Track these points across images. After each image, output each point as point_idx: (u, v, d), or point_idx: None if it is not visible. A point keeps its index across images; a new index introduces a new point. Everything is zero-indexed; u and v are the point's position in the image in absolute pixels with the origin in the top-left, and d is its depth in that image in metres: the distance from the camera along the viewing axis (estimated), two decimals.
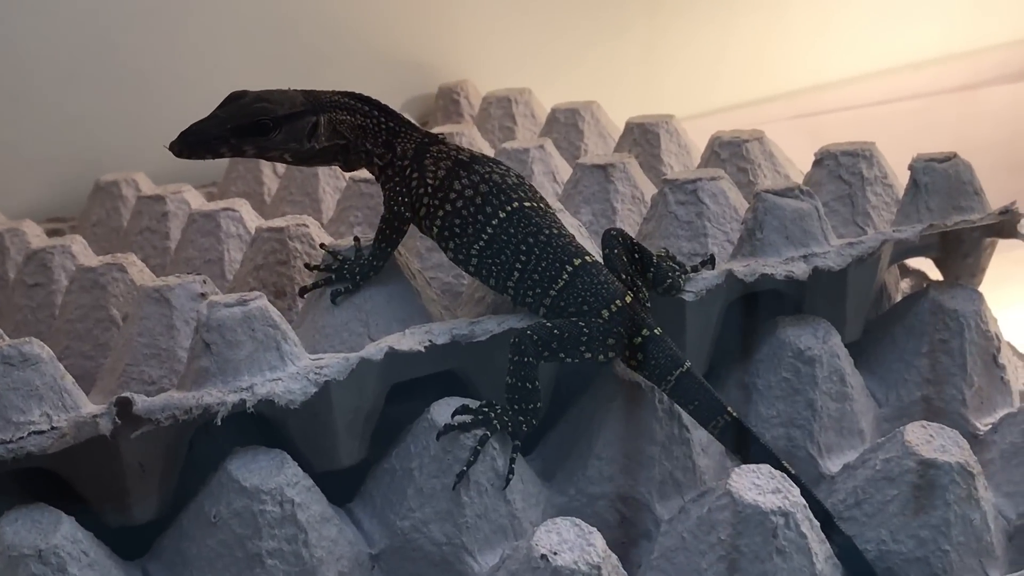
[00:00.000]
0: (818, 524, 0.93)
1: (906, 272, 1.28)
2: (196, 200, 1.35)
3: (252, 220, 1.25)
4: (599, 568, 0.86)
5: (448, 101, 1.72)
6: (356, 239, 1.06)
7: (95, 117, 1.56)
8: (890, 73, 2.01)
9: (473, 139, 1.44)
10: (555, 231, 1.00)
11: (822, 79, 1.99)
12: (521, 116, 1.61)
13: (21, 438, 0.87)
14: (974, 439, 1.10)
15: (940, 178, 1.15)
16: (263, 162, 1.46)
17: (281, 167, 1.45)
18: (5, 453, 0.86)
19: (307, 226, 1.14)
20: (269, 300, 1.08)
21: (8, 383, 0.88)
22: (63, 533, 0.87)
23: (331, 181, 1.39)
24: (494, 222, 0.99)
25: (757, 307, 1.13)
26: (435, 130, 1.45)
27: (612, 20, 1.85)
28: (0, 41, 1.50)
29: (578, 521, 0.89)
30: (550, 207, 1.03)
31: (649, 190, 1.25)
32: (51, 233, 1.43)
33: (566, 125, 1.51)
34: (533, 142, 1.36)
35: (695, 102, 1.85)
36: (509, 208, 1.00)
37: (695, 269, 1.08)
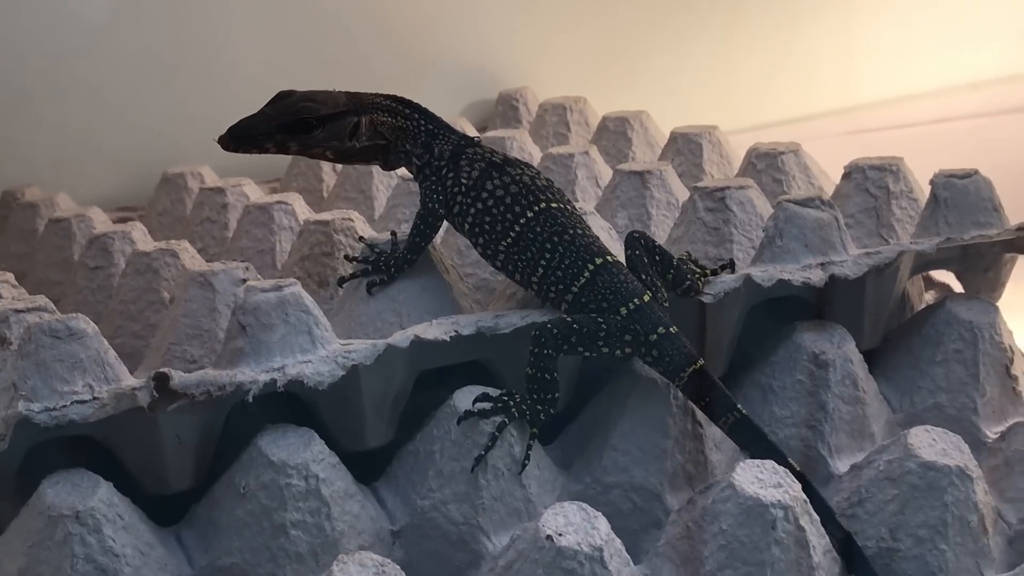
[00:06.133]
0: (818, 519, 0.97)
1: (931, 284, 1.32)
2: (255, 193, 1.41)
3: (304, 213, 1.31)
4: (601, 550, 0.91)
5: (507, 107, 1.77)
6: (393, 233, 1.12)
7: (167, 111, 1.63)
8: (948, 92, 2.03)
9: (524, 144, 1.49)
10: (579, 231, 1.05)
11: (879, 96, 2.02)
12: (575, 124, 1.66)
13: (64, 406, 0.93)
14: (983, 446, 1.13)
15: (959, 194, 1.19)
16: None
17: (340, 165, 1.51)
18: (49, 420, 0.92)
19: (352, 220, 1.20)
20: (312, 289, 1.14)
21: (55, 355, 0.94)
22: (100, 497, 0.93)
23: (384, 179, 1.45)
24: (522, 221, 1.05)
25: (781, 313, 1.17)
26: (490, 134, 1.51)
27: (670, 33, 1.89)
28: (76, 38, 1.57)
29: (584, 505, 0.94)
30: (576, 210, 1.08)
31: (685, 197, 1.29)
32: (120, 221, 1.49)
33: (615, 133, 1.56)
34: (579, 148, 1.41)
35: (750, 115, 1.89)
36: (537, 208, 1.05)
37: (715, 272, 1.12)
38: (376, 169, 1.45)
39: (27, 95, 1.56)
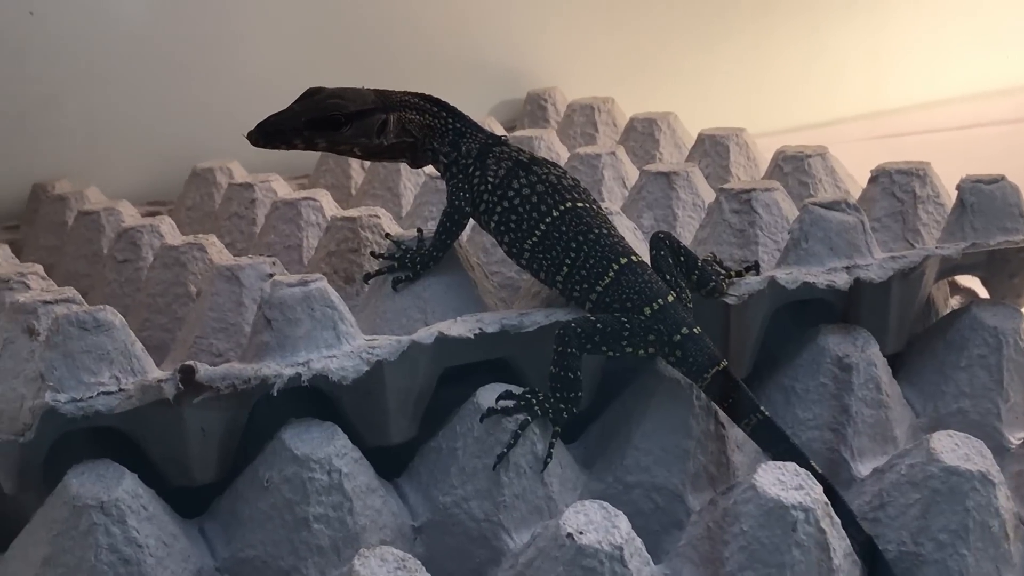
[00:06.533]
0: (839, 522, 0.97)
1: (957, 290, 1.32)
2: (283, 189, 1.42)
3: (331, 209, 1.31)
4: (621, 549, 0.91)
5: (536, 107, 1.78)
6: (419, 230, 1.12)
7: (197, 107, 1.64)
8: (977, 98, 2.03)
9: (551, 144, 1.49)
10: (604, 231, 1.05)
11: (908, 101, 2.02)
12: (603, 124, 1.66)
13: (90, 397, 0.93)
14: (1006, 452, 1.13)
15: (986, 199, 1.19)
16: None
17: (368, 162, 1.52)
18: (75, 410, 0.93)
19: (378, 217, 1.20)
20: (339, 285, 1.15)
21: (82, 346, 0.95)
22: (125, 488, 0.93)
23: (412, 177, 1.45)
24: (547, 220, 1.05)
25: (805, 316, 1.17)
26: (518, 133, 1.51)
27: (699, 36, 1.89)
28: (108, 33, 1.58)
29: (606, 504, 0.94)
30: (602, 209, 1.08)
31: (711, 199, 1.30)
32: (149, 215, 1.50)
33: (643, 134, 1.57)
34: (606, 148, 1.41)
35: (778, 118, 1.89)
36: (562, 207, 1.05)
37: (739, 274, 1.12)
38: (404, 167, 1.45)
39: (59, 89, 1.57)
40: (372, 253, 1.14)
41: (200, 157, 1.55)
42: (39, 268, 1.14)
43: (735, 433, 1.07)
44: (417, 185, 1.44)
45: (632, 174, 1.41)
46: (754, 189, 1.21)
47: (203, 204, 1.50)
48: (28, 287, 1.10)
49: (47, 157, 1.58)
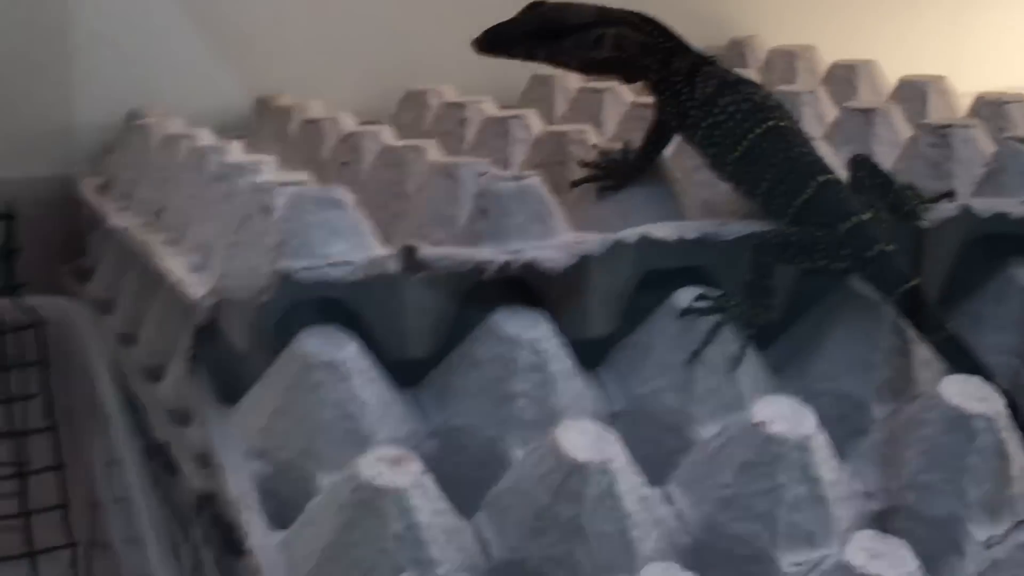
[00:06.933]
0: (1020, 436, 1.00)
1: None
2: (492, 110, 1.48)
3: (537, 128, 1.37)
4: (808, 439, 0.95)
5: (736, 54, 1.81)
6: (625, 143, 1.17)
7: (415, 29, 1.71)
8: None
9: None
10: (805, 150, 1.09)
11: None
12: (803, 71, 1.70)
13: (322, 267, 1.01)
14: None
15: None
16: (556, 87, 1.59)
17: (571, 90, 1.57)
18: (308, 278, 1.00)
19: (585, 132, 1.25)
20: None
21: (316, 220, 1.02)
22: (351, 350, 1.00)
23: (615, 106, 1.50)
24: (750, 136, 1.10)
25: (998, 250, 1.19)
26: None
27: None
28: None
29: (794, 400, 0.98)
30: (805, 131, 1.12)
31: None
32: None
33: (842, 80, 1.60)
34: (806, 87, 1.45)
35: (982, 78, 1.89)
36: (766, 125, 1.10)
37: (935, 201, 1.16)
38: (606, 96, 1.50)
39: (283, 11, 1.65)
40: (579, 162, 1.19)
41: (414, 80, 1.61)
42: (272, 158, 1.21)
43: (922, 350, 1.10)
44: (619, 114, 1.49)
45: (830, 114, 1.44)
46: (952, 124, 1.24)
47: (415, 125, 1.56)
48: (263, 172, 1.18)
49: (270, 74, 1.66)
